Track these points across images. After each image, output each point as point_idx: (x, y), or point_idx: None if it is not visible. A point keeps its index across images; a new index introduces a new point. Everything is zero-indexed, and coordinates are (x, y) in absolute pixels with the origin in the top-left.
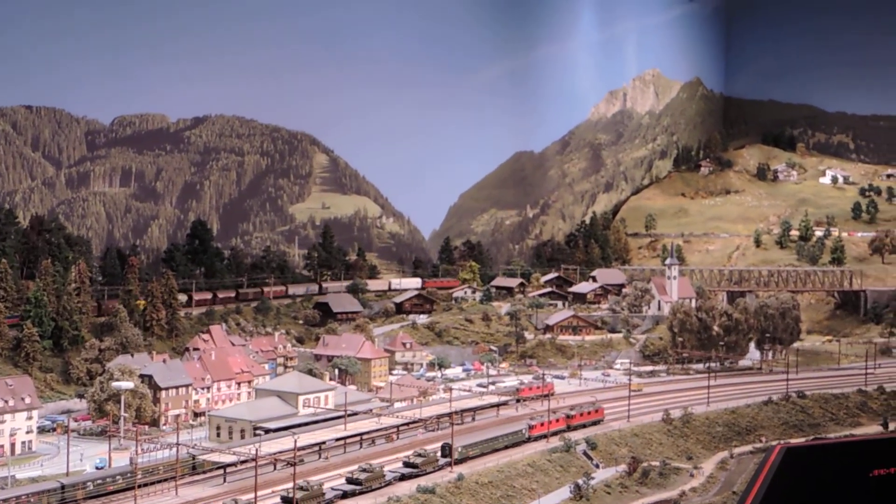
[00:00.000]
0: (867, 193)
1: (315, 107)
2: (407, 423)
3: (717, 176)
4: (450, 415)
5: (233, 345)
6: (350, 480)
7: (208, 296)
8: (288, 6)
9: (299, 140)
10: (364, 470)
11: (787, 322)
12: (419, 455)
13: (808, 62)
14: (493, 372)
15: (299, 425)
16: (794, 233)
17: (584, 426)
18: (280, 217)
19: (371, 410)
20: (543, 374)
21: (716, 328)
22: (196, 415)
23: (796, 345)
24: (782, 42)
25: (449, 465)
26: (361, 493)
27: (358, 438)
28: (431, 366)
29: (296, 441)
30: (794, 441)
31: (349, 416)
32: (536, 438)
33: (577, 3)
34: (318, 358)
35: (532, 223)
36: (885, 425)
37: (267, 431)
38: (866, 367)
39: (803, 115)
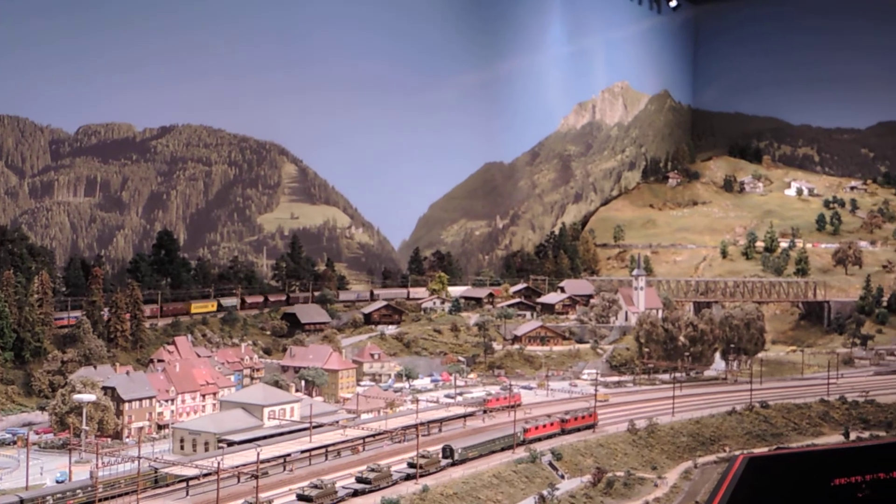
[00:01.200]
0: (831, 205)
1: (284, 117)
2: (373, 435)
3: (685, 187)
4: (416, 426)
5: (198, 356)
6: (360, 479)
7: (260, 299)
8: (256, 12)
9: (268, 150)
10: (373, 469)
11: (751, 332)
12: (423, 456)
13: (774, 76)
14: (461, 383)
15: (264, 437)
16: (760, 244)
17: (578, 430)
18: (248, 227)
19: (337, 422)
20: (511, 385)
21: (682, 339)
22: (160, 427)
23: (761, 355)
24: (749, 56)
25: (451, 465)
26: (371, 491)
27: (323, 450)
28: (399, 377)
29: (259, 453)
30: (757, 451)
31: (314, 427)
32: (531, 441)
33: (546, 15)
34: (284, 369)
35: (502, 234)
36: (847, 435)
37: (230, 444)
38: (828, 377)
39: (769, 127)
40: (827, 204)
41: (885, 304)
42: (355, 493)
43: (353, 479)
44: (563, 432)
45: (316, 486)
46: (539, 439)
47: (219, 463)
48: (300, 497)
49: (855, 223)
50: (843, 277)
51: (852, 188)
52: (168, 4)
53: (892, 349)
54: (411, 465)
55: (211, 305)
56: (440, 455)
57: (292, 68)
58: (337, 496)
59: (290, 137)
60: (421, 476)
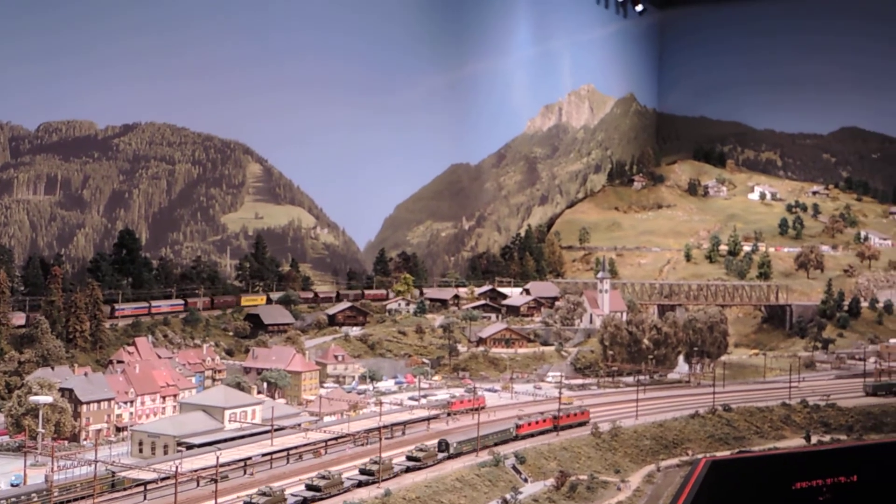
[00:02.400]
0: (793, 210)
1: (249, 117)
2: (335, 438)
3: (650, 191)
4: (379, 429)
5: (159, 357)
6: (363, 471)
7: (311, 294)
8: (222, 11)
9: (232, 149)
10: (375, 462)
11: (715, 336)
12: (421, 449)
13: (737, 81)
14: (425, 385)
15: (224, 440)
16: (723, 247)
17: (570, 427)
18: (212, 227)
19: (299, 425)
20: (475, 388)
21: (645, 341)
22: (118, 429)
23: (723, 358)
24: (713, 60)
25: (447, 458)
26: (374, 482)
27: (285, 454)
28: (363, 379)
29: (218, 457)
30: (720, 454)
31: (276, 430)
32: (524, 437)
33: (513, 18)
34: (247, 371)
35: (468, 235)
36: (808, 438)
37: (190, 447)
38: (790, 380)
39: (733, 132)
40: (789, 208)
41: (846, 308)
42: (360, 485)
43: (361, 471)
44: (556, 429)
45: (324, 477)
46: (532, 435)
47: (177, 466)
48: (309, 487)
49: (817, 227)
50: (805, 281)
51: (814, 193)
52: (132, 4)
53: (852, 353)
54: (410, 458)
55: (260, 299)
56: (436, 449)
57: (258, 67)
58: (343, 487)
59: (255, 137)
60: (419, 469)
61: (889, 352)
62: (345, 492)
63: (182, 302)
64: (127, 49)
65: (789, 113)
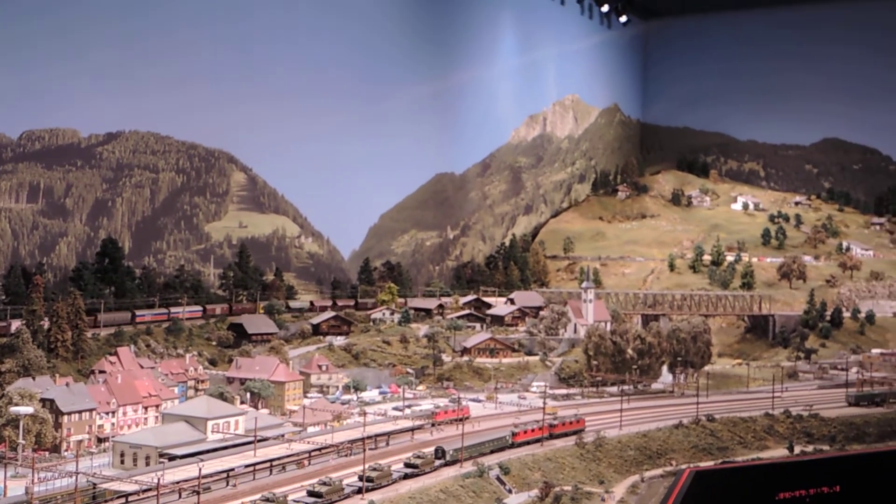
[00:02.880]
0: (776, 220)
1: (234, 125)
2: (318, 449)
3: (634, 200)
4: (363, 440)
5: (141, 367)
6: (362, 478)
7: (329, 302)
8: (208, 20)
9: (216, 157)
10: (374, 469)
11: (698, 345)
12: (419, 457)
13: (721, 91)
14: (409, 395)
15: (207, 451)
16: (707, 257)
17: (566, 435)
18: (195, 236)
19: (282, 436)
20: (459, 398)
21: (630, 351)
22: (100, 440)
23: (707, 368)
24: (697, 71)
25: (444, 465)
26: (372, 489)
27: (268, 465)
28: (347, 388)
29: (200, 468)
30: (703, 465)
31: (259, 441)
32: (520, 445)
33: (498, 27)
34: (230, 381)
35: (452, 244)
36: (791, 449)
37: (172, 458)
38: (773, 390)
39: (716, 142)
40: (772, 219)
41: (828, 318)
42: (359, 490)
43: (360, 478)
44: (552, 437)
45: (325, 483)
46: (528, 443)
47: (159, 478)
48: (311, 493)
49: (799, 238)
50: (788, 291)
51: (797, 203)
52: (118, 13)
53: (835, 363)
54: (408, 465)
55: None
56: (433, 456)
57: (243, 77)
58: (343, 493)
59: (240, 145)
60: (417, 476)
61: (871, 362)
62: (345, 497)
63: (201, 308)
64: (112, 58)
65: (772, 124)
